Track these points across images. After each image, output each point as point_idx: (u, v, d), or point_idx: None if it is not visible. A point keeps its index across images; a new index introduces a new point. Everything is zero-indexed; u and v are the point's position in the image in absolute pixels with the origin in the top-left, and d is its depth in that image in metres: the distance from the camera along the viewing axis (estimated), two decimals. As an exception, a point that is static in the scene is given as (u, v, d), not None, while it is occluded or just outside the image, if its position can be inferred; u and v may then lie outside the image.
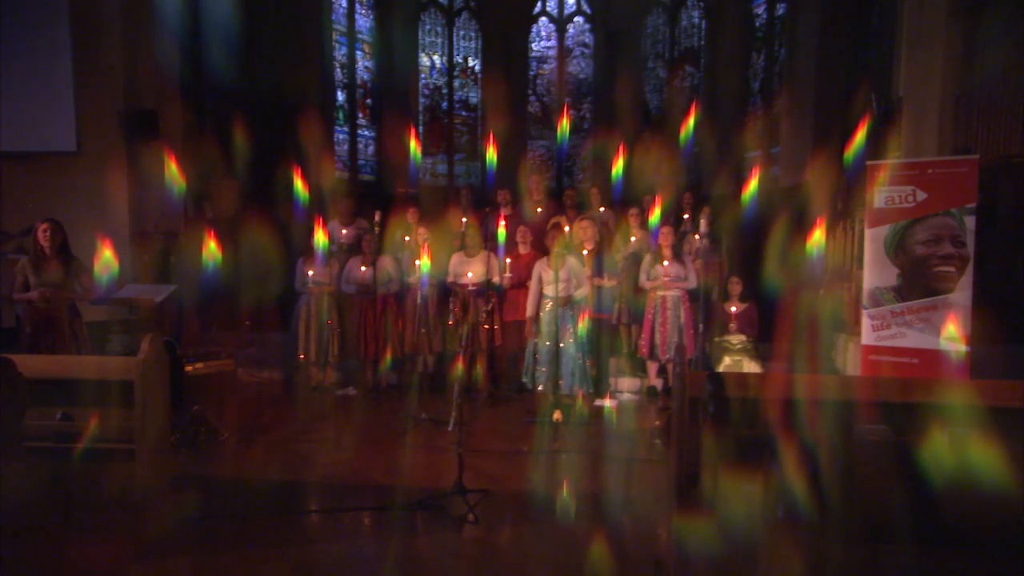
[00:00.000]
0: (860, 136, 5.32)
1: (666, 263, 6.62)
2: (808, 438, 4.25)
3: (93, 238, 5.47)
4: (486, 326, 6.73)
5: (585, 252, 6.63)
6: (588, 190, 8.35)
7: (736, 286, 6.56)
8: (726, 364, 6.41)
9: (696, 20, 11.98)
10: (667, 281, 6.61)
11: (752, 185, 5.59)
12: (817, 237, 5.10)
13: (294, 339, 7.05)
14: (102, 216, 7.13)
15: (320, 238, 6.80)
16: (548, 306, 6.38)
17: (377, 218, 6.88)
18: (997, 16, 6.87)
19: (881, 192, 5.71)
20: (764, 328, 6.60)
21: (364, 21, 12.00)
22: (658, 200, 6.60)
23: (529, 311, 6.53)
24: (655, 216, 6.53)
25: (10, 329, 5.93)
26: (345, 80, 11.74)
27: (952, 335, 5.24)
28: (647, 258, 6.81)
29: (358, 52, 11.90)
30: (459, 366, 5.31)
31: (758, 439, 4.08)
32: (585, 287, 6.48)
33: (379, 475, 4.76)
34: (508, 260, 6.68)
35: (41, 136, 7.13)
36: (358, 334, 6.96)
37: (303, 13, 10.82)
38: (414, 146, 5.86)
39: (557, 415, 5.74)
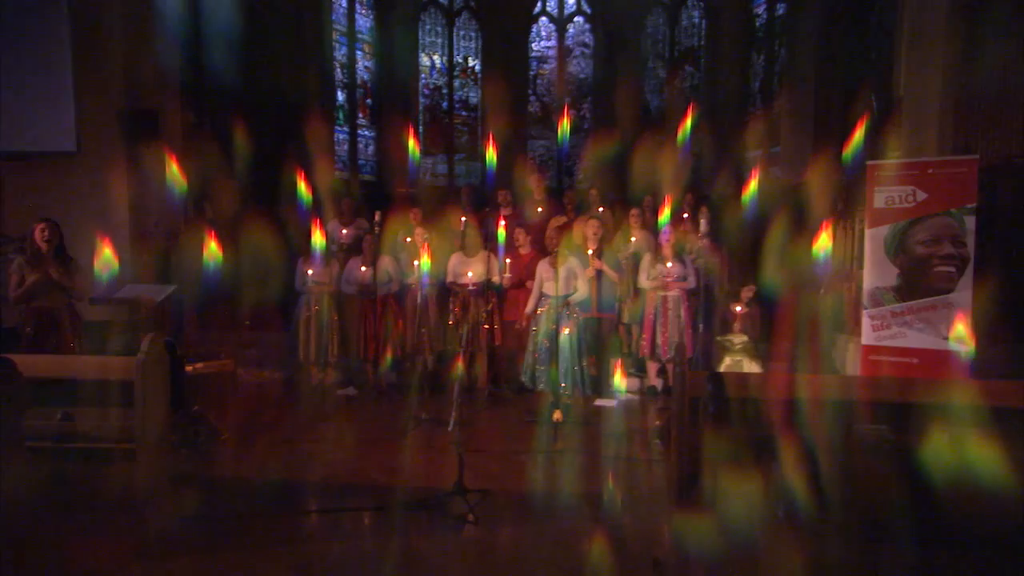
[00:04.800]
0: (858, 136, 5.32)
1: (669, 264, 6.61)
2: (808, 438, 4.26)
3: (93, 238, 5.47)
4: (486, 326, 6.72)
5: (590, 252, 6.62)
6: (588, 190, 8.35)
7: (747, 291, 6.50)
8: (727, 364, 6.41)
9: (696, 20, 11.98)
10: (670, 282, 6.61)
11: (753, 185, 5.59)
12: (823, 239, 5.10)
13: (294, 339, 7.04)
14: (102, 216, 7.13)
15: (317, 238, 6.79)
16: (548, 305, 6.37)
17: (377, 218, 6.88)
18: (997, 16, 6.86)
19: (881, 192, 5.72)
20: (764, 328, 6.60)
21: (364, 21, 12.00)
22: (667, 200, 6.59)
23: (528, 308, 6.55)
24: (664, 216, 6.51)
25: (10, 329, 5.93)
26: (345, 80, 11.74)
27: (961, 334, 5.23)
28: (646, 258, 6.81)
29: (358, 52, 11.90)
30: (459, 366, 5.29)
31: (758, 439, 4.08)
32: (584, 289, 6.43)
33: (379, 475, 4.75)
34: (508, 260, 6.64)
35: (41, 136, 7.13)
36: (358, 334, 6.96)
37: (303, 13, 10.82)
38: (413, 146, 5.84)
39: (557, 415, 5.74)
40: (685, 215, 7.55)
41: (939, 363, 5.39)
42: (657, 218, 6.89)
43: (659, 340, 6.68)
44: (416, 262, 6.60)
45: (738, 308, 6.49)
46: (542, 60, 12.76)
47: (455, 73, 12.61)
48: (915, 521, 3.31)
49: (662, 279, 6.63)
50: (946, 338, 5.38)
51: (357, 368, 7.18)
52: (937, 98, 7.14)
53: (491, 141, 5.65)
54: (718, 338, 6.62)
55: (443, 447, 5.23)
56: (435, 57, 12.54)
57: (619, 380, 6.59)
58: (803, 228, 6.19)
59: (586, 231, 6.79)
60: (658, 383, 6.92)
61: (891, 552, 3.45)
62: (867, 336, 5.81)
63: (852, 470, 3.47)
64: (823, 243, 5.09)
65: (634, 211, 7.32)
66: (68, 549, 3.69)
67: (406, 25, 12.16)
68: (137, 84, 7.62)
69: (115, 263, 4.95)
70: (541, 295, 6.48)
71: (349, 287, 6.97)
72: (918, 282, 5.61)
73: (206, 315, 7.57)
